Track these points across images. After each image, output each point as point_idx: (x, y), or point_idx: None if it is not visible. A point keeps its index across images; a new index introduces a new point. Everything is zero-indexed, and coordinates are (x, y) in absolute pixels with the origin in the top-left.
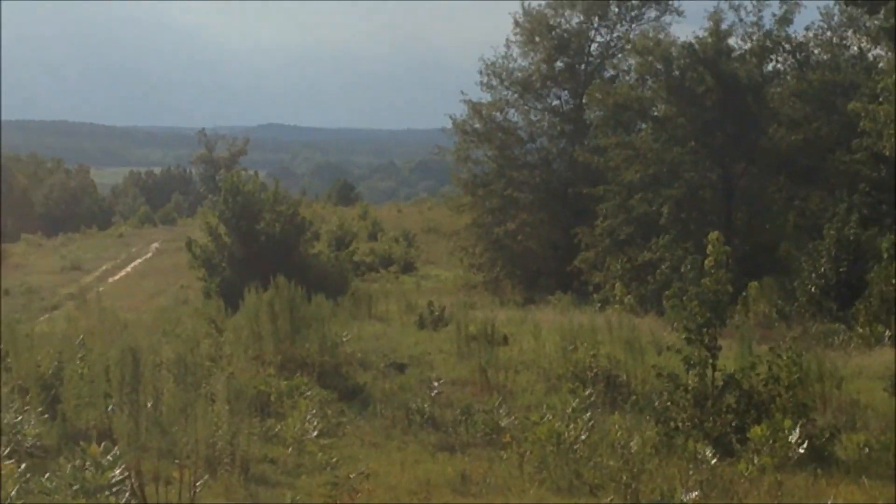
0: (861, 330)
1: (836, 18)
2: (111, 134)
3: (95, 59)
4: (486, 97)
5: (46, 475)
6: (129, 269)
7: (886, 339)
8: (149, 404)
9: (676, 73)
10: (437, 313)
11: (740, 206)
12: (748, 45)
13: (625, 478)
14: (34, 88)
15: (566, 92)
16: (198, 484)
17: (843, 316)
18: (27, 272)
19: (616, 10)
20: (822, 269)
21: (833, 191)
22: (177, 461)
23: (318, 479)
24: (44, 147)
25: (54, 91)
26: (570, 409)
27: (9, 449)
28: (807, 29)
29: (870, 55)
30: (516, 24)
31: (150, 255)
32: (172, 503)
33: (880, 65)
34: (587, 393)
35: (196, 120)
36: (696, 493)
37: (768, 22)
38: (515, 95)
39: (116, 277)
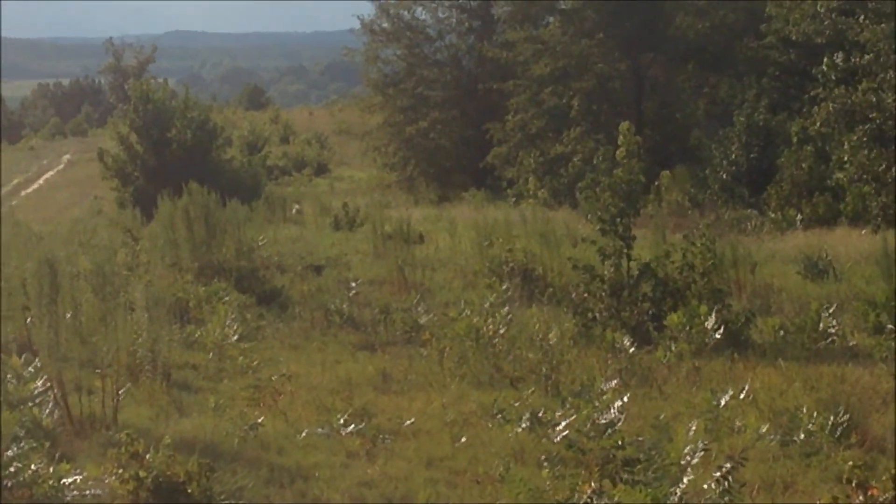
0: (773, 215)
1: None
2: (16, 46)
3: None
4: None
5: None
6: (41, 181)
7: (798, 222)
8: (68, 315)
9: None
10: (351, 214)
11: (650, 96)
12: None
13: (544, 370)
14: None
15: None
16: (120, 392)
17: (755, 202)
18: None
19: None
20: (734, 156)
21: (742, 77)
22: (98, 370)
23: (240, 382)
24: None
25: None
26: (487, 305)
27: None
28: None
29: None
30: None
31: (61, 167)
32: (96, 412)
33: None
34: (504, 288)
35: (102, 30)
36: (616, 381)
37: None
38: None
39: (29, 191)
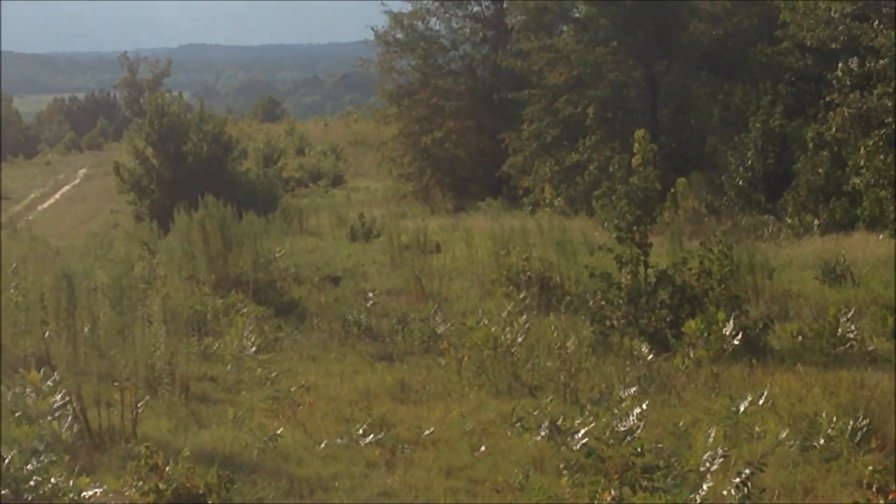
0: (790, 220)
1: None
2: (33, 61)
3: None
4: (406, 7)
5: None
6: (57, 196)
7: (815, 228)
8: (86, 329)
9: None
10: (368, 225)
11: (665, 103)
12: None
13: (563, 378)
14: None
15: None
16: (139, 405)
17: (771, 207)
18: None
19: None
20: (750, 162)
21: (757, 84)
22: (117, 383)
23: (258, 394)
24: None
25: None
26: (505, 313)
27: None
28: None
29: None
30: None
31: (78, 181)
32: (115, 425)
33: None
34: (521, 296)
35: (118, 44)
36: (634, 388)
37: None
38: (436, 4)
39: (45, 205)
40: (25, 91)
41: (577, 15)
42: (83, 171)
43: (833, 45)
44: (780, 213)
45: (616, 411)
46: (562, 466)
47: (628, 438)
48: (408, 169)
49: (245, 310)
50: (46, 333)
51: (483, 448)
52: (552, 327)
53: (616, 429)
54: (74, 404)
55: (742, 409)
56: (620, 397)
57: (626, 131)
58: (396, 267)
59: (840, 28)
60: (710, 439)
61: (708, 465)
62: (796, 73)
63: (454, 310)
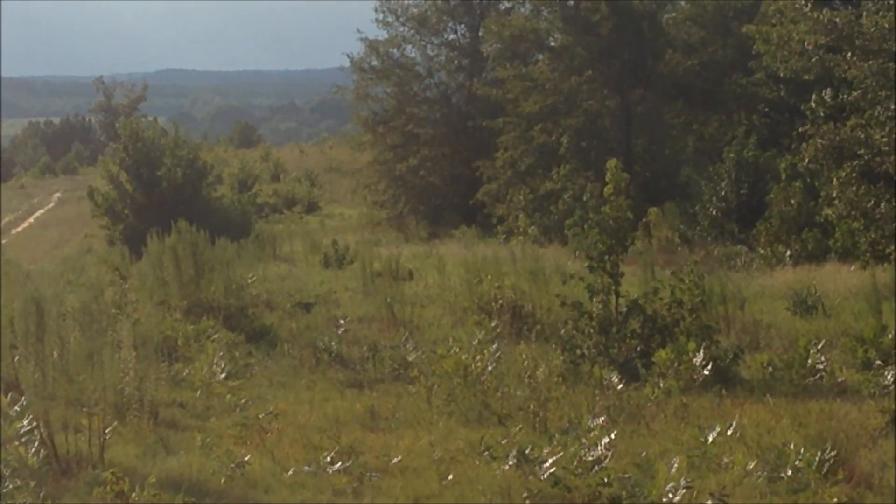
0: (762, 251)
1: None
2: (8, 85)
3: None
4: (383, 34)
5: None
6: (31, 220)
7: (787, 258)
8: (55, 354)
9: (571, 2)
10: (341, 252)
11: (639, 132)
12: None
13: (532, 406)
14: None
15: (462, 26)
16: (107, 431)
17: (744, 238)
18: None
19: None
20: (723, 192)
21: (731, 114)
22: (85, 409)
23: (227, 420)
24: None
25: None
26: (476, 341)
27: None
28: None
29: None
30: None
31: (52, 205)
32: (82, 451)
33: None
34: (493, 324)
35: (93, 68)
36: (603, 418)
37: None
38: (412, 31)
39: (19, 229)
40: (3, 115)
41: (552, 44)
42: (57, 195)
43: (807, 77)
44: (752, 243)
45: (584, 441)
46: (526, 497)
47: (596, 468)
48: (382, 196)
49: (216, 336)
50: (16, 358)
51: (451, 477)
52: (523, 356)
53: (584, 458)
54: (42, 429)
55: (711, 439)
56: (589, 427)
57: (600, 160)
58: (369, 294)
59: (814, 59)
60: (674, 470)
61: (671, 495)
62: (770, 104)
63: (425, 337)
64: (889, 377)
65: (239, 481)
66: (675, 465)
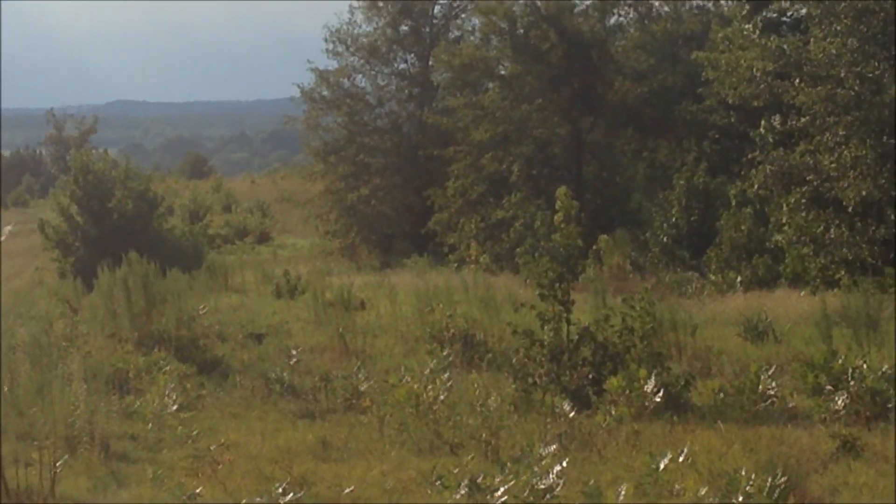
0: (713, 277)
1: None
2: None
3: None
4: (333, 64)
5: None
6: None
7: (738, 284)
8: (5, 387)
9: (520, 31)
10: (293, 282)
11: (590, 160)
12: (590, 1)
13: (484, 435)
14: None
15: (412, 55)
16: (58, 464)
17: (695, 264)
18: None
19: None
20: (674, 219)
21: (681, 141)
22: (36, 442)
23: (179, 452)
24: None
25: None
26: (428, 371)
27: None
28: None
29: (710, 5)
30: None
31: (3, 238)
32: (33, 484)
33: (724, 11)
34: (445, 353)
35: (44, 100)
36: (555, 446)
37: None
38: (362, 61)
39: None
40: None
41: (502, 72)
42: (8, 228)
43: (756, 103)
44: (703, 269)
45: (536, 469)
46: None
47: (548, 496)
48: (334, 226)
49: (167, 367)
50: None
51: None
52: (475, 384)
53: (536, 486)
54: None
55: (662, 466)
56: (541, 455)
57: (551, 188)
58: (320, 324)
59: (762, 86)
60: (622, 497)
61: None
62: (720, 131)
63: (377, 367)
64: (839, 402)
65: None
66: (623, 493)
